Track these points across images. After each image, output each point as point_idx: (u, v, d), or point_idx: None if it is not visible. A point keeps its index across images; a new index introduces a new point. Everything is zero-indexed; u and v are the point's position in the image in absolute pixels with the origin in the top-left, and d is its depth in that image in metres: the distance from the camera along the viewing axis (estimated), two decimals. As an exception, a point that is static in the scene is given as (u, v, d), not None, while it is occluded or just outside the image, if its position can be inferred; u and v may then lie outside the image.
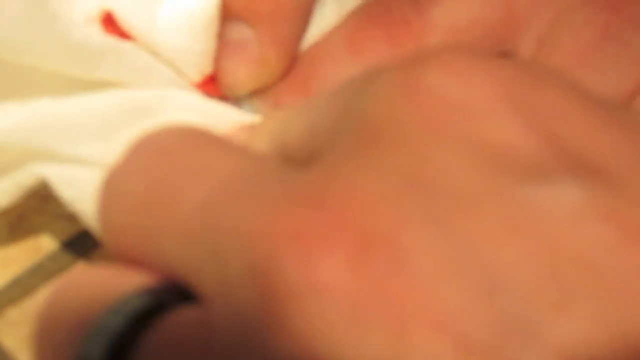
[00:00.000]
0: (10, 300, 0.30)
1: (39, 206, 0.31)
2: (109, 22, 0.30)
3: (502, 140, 0.21)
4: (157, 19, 0.29)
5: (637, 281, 0.19)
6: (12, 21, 0.27)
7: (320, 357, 0.19)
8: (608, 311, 0.19)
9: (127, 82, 0.29)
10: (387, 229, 0.20)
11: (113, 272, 0.23)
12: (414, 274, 0.19)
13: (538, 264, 0.19)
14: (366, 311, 0.19)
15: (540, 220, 0.19)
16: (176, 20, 0.29)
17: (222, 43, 0.30)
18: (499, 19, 0.30)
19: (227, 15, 0.29)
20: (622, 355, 0.19)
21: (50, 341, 0.23)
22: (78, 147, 0.29)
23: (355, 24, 0.31)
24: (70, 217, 0.30)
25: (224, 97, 0.30)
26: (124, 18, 0.29)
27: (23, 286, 0.30)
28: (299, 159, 0.24)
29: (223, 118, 0.30)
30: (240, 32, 0.30)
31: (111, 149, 0.28)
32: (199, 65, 0.30)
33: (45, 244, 0.31)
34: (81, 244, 0.31)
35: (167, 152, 0.24)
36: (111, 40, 0.29)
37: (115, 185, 0.24)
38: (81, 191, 0.28)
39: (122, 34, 0.30)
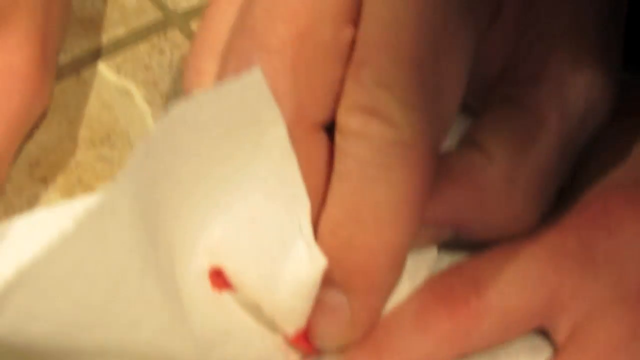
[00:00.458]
0: None
1: None
2: (217, 276, 0.34)
3: None
4: (274, 280, 0.33)
5: None
6: (157, 332, 0.31)
7: None
8: None
9: None
10: None
11: None
12: None
13: None
14: None
15: None
16: (286, 284, 0.33)
17: (318, 304, 0.34)
18: (544, 303, 0.35)
19: (325, 282, 0.34)
20: None
21: None
22: None
23: (422, 301, 0.35)
24: None
25: (310, 349, 0.35)
26: (237, 275, 0.34)
27: None
28: None
29: None
30: (335, 297, 0.34)
31: None
32: (297, 322, 0.34)
33: None
34: None
35: None
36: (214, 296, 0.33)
37: None
38: None
39: (227, 284, 0.34)
